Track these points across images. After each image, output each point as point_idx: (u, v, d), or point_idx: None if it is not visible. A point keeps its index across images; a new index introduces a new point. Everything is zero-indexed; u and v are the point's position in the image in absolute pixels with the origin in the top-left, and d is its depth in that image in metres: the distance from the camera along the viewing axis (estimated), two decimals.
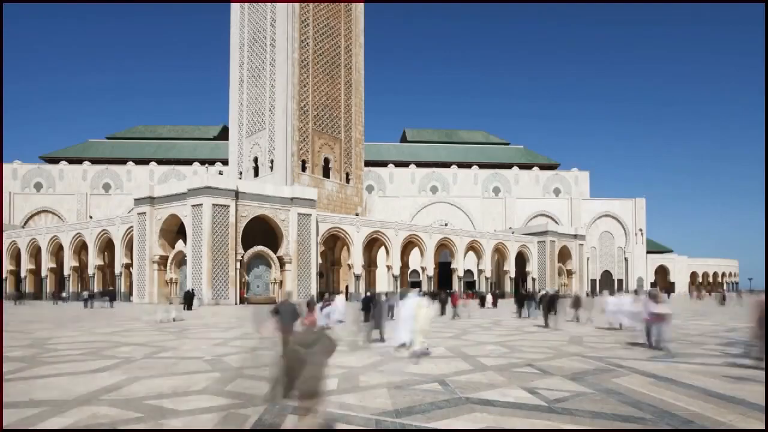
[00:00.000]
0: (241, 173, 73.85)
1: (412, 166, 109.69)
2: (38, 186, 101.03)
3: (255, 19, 74.35)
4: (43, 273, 68.98)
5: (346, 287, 67.50)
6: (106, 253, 64.18)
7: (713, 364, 12.25)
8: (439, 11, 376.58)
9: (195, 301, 41.08)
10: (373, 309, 17.46)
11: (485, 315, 33.13)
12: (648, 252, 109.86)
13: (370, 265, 70.50)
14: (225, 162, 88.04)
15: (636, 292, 31.40)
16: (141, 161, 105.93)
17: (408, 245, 69.63)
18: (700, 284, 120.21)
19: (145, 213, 52.94)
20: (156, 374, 10.95)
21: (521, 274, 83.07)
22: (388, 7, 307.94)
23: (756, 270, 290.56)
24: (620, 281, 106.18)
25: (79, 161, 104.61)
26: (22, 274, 71.54)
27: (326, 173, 72.44)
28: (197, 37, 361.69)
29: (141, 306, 45.92)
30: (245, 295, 50.89)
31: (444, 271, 79.19)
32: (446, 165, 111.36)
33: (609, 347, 15.83)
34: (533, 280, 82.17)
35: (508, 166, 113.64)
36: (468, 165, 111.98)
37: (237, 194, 49.92)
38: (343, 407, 7.87)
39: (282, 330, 10.71)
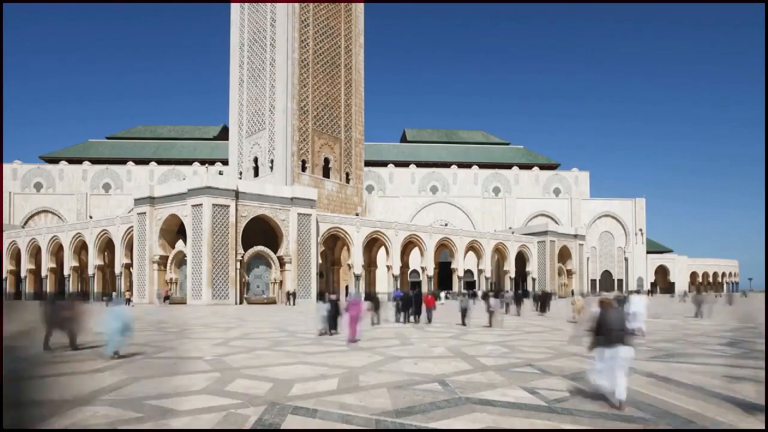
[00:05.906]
0: (241, 173, 73.81)
1: (412, 166, 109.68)
2: (38, 186, 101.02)
3: (255, 20, 74.32)
4: (43, 273, 68.98)
5: (346, 287, 67.49)
6: (106, 253, 64.18)
7: (713, 364, 12.23)
8: (439, 11, 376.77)
9: None
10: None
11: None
12: (648, 252, 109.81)
13: (370, 265, 70.48)
14: (225, 162, 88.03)
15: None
16: (141, 161, 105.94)
17: (408, 245, 69.60)
18: (700, 284, 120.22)
19: (145, 213, 52.93)
20: (156, 374, 10.95)
21: (521, 274, 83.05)
22: (388, 7, 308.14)
23: (756, 270, 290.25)
24: (620, 281, 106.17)
25: (79, 161, 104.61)
26: (22, 274, 71.55)
27: (326, 173, 72.42)
28: (197, 38, 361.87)
29: None
30: (245, 296, 50.87)
31: (444, 271, 79.21)
32: (446, 165, 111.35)
33: None
34: (533, 280, 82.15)
35: (508, 166, 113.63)
36: (468, 165, 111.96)
37: (237, 194, 49.91)
38: (343, 407, 7.85)
39: None
